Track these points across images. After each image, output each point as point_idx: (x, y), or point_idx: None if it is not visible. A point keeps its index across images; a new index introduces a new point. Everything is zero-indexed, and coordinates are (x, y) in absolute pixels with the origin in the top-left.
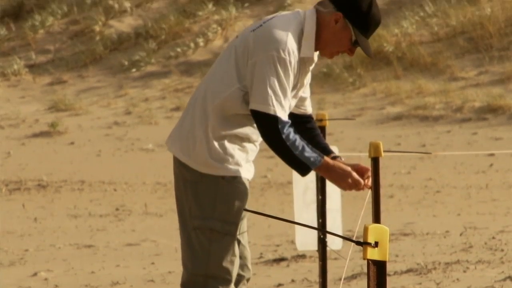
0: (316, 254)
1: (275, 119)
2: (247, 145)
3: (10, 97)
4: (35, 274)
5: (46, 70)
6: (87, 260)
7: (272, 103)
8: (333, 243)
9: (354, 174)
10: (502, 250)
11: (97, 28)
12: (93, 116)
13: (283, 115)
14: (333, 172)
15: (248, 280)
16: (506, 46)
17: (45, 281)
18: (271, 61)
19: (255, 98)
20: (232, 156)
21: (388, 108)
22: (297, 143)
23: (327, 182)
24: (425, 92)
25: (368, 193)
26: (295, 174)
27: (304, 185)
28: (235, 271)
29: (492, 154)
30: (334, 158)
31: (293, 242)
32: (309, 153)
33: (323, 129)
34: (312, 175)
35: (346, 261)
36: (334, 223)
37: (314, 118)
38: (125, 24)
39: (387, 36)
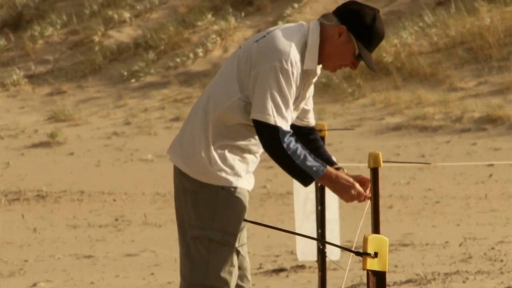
0: (316, 265)
1: (276, 129)
2: (248, 156)
3: (10, 107)
4: (34, 284)
5: (46, 81)
6: (87, 270)
7: (273, 113)
8: (332, 253)
9: (357, 186)
10: (502, 261)
11: (96, 38)
12: (92, 126)
13: (285, 125)
14: (337, 183)
15: None
16: (506, 57)
17: None
18: (274, 72)
19: (257, 108)
20: (232, 166)
21: (387, 118)
22: (299, 152)
23: (326, 193)
24: (424, 103)
25: (368, 204)
26: (296, 185)
27: (305, 196)
28: (233, 281)
29: (491, 165)
30: (337, 169)
31: (292, 252)
32: (312, 162)
33: (322, 139)
34: (312, 186)
35: (345, 271)
36: (332, 233)
37: None
38: (125, 35)
39: (387, 46)
